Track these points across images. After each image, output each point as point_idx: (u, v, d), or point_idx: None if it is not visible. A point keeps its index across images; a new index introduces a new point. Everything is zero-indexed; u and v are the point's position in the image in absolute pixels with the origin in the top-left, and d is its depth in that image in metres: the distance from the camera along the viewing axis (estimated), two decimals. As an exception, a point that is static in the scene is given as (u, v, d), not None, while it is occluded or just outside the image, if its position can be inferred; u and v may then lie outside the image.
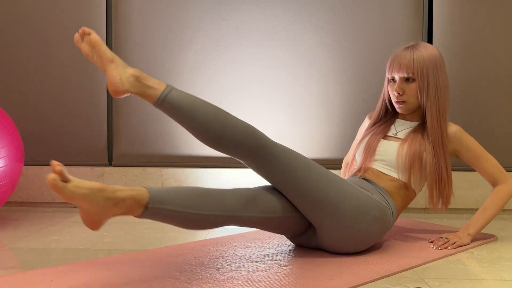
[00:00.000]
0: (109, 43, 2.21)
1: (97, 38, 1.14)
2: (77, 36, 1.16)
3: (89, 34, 1.15)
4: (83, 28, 1.16)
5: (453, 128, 1.45)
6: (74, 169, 2.16)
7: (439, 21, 2.13)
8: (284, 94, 2.20)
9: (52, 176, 0.95)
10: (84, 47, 1.16)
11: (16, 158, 1.71)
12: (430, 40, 2.15)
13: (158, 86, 1.16)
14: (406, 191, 1.41)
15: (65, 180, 0.97)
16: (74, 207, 2.16)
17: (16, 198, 2.16)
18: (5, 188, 1.68)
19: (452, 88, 2.14)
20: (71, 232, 1.63)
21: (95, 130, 2.22)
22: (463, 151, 1.45)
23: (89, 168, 2.19)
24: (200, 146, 2.20)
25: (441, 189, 1.41)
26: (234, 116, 1.21)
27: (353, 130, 2.12)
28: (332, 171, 2.11)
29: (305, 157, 1.26)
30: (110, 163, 2.23)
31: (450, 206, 2.07)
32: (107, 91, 2.21)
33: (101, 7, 2.19)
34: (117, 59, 1.14)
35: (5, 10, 2.20)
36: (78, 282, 1.08)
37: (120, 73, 1.12)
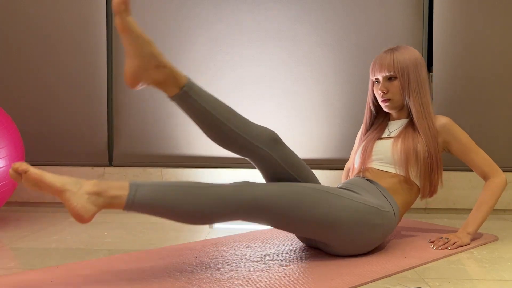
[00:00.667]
0: (109, 43, 2.21)
1: (37, 173, 0.99)
2: (12, 173, 1.00)
3: (26, 171, 0.99)
4: (14, 165, 0.99)
5: (442, 120, 1.47)
6: (75, 169, 2.17)
7: (439, 21, 2.13)
8: (284, 94, 2.20)
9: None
10: (27, 184, 1.01)
11: (16, 158, 1.71)
12: (430, 40, 2.15)
13: (121, 191, 1.04)
14: (408, 186, 1.43)
15: (128, 11, 1.04)
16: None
17: (16, 198, 2.16)
18: (5, 188, 1.68)
19: (452, 88, 2.15)
20: (71, 232, 1.63)
21: (95, 130, 2.22)
22: (453, 142, 1.47)
23: (89, 168, 2.19)
24: (200, 147, 2.21)
25: (431, 178, 1.44)
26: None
27: (353, 130, 2.12)
28: (332, 171, 2.15)
29: (303, 189, 1.19)
30: (110, 163, 2.23)
31: (450, 206, 2.11)
32: (108, 90, 2.22)
33: (101, 7, 2.19)
34: (67, 183, 1.01)
35: (5, 10, 2.21)
36: (78, 282, 1.08)
37: (78, 199, 1.00)
